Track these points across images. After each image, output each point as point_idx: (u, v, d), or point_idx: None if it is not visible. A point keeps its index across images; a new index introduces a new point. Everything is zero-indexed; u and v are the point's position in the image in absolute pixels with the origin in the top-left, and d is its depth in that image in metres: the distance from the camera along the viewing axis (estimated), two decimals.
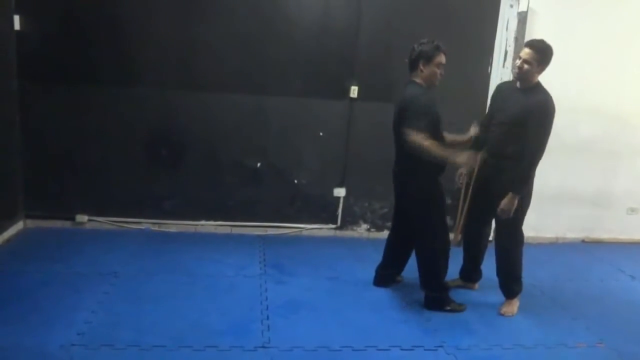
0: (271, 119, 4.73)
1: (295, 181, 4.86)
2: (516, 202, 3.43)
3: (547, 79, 4.81)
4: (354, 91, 4.72)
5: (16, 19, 4.28)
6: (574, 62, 4.90)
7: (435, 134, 3.43)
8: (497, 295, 3.83)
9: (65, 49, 4.41)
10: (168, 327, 3.20)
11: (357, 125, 4.79)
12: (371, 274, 4.03)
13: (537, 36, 4.76)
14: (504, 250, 3.71)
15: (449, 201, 5.04)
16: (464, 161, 3.44)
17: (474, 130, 3.71)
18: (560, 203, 5.20)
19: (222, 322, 3.31)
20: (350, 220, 5.03)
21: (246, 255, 4.38)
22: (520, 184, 3.43)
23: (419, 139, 3.28)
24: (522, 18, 4.71)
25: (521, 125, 3.39)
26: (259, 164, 4.78)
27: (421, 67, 3.42)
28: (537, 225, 5.19)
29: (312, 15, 4.57)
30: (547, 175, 5.06)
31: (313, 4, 4.58)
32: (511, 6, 4.73)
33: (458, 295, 3.85)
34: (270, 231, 4.90)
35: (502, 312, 3.71)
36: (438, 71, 3.44)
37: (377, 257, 3.87)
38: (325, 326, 3.37)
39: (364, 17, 4.62)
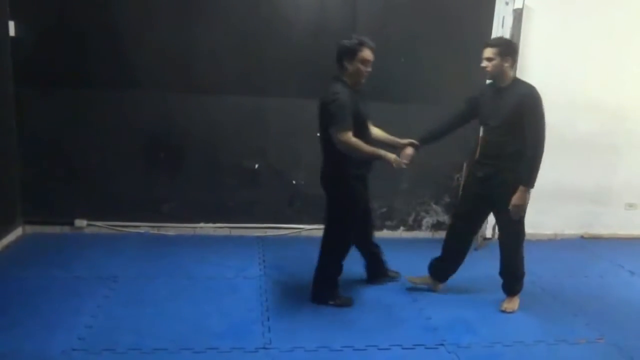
0: (269, 120, 4.74)
1: (294, 182, 4.86)
2: (528, 197, 3.43)
3: (543, 74, 4.85)
4: None
5: (11, 24, 4.28)
6: (571, 58, 4.93)
7: (361, 132, 3.38)
8: (497, 293, 3.83)
9: (61, 53, 4.42)
10: (168, 330, 3.21)
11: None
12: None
13: (534, 33, 4.82)
14: (509, 250, 3.70)
15: (447, 199, 5.09)
16: (393, 159, 3.37)
17: (408, 142, 3.68)
18: (559, 199, 5.20)
19: (222, 324, 3.31)
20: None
21: (246, 257, 4.38)
22: (531, 176, 3.39)
23: (346, 137, 3.24)
24: (518, 15, 4.71)
25: (516, 122, 3.39)
26: (257, 166, 4.78)
27: (346, 64, 3.35)
28: (535, 221, 5.16)
29: (308, 15, 4.58)
30: (545, 171, 5.01)
31: (310, 4, 4.58)
32: (507, 3, 4.73)
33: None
34: (270, 232, 4.90)
35: (503, 308, 3.70)
36: (363, 68, 3.36)
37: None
38: (326, 326, 3.37)
39: (360, 16, 4.63)
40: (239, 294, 3.74)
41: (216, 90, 4.62)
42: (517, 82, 3.50)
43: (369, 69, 3.40)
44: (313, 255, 4.31)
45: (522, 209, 3.45)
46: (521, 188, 3.40)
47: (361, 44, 3.33)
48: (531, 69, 4.86)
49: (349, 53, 3.33)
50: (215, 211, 4.86)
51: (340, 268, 3.66)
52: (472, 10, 4.79)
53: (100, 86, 4.52)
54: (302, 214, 4.92)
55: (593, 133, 5.14)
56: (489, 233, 5.02)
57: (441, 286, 3.94)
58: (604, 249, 5.14)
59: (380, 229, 5.05)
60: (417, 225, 5.14)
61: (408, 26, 4.65)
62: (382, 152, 3.37)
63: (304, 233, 4.94)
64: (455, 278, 4.13)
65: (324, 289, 3.65)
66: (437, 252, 4.77)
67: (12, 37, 4.30)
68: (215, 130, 4.70)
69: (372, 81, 4.56)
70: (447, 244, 3.89)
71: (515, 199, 3.42)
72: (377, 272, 4.02)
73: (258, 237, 4.83)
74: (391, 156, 3.36)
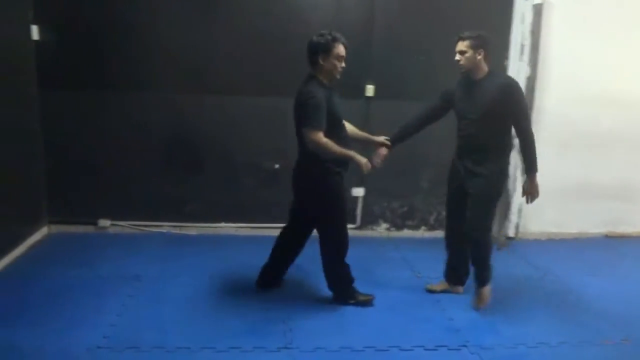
0: (288, 120, 4.71)
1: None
2: (537, 182, 3.45)
3: (565, 70, 4.78)
4: (370, 90, 4.71)
5: (34, 29, 4.35)
6: (592, 53, 4.84)
7: (335, 131, 3.34)
8: (520, 294, 3.80)
9: (84, 56, 4.48)
10: (191, 328, 3.24)
11: (374, 123, 4.77)
12: (391, 273, 4.03)
13: (554, 28, 4.75)
14: (478, 239, 3.60)
15: None
16: (364, 162, 3.35)
17: (381, 140, 3.71)
18: (583, 197, 5.12)
19: (244, 323, 3.33)
20: (369, 220, 5.03)
21: (267, 257, 4.38)
22: (532, 162, 3.44)
23: (317, 137, 3.20)
24: (538, 10, 4.65)
25: (496, 114, 3.36)
26: (277, 166, 4.79)
27: (320, 61, 3.28)
28: (559, 220, 5.14)
29: (325, 14, 4.57)
30: (568, 169, 5.03)
31: (326, 3, 4.58)
32: None
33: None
34: None
35: (475, 305, 3.63)
36: (338, 64, 3.31)
37: (397, 256, 3.86)
38: (348, 326, 3.37)
39: (378, 14, 4.62)
40: (260, 293, 3.75)
41: (234, 91, 4.64)
42: (493, 73, 3.46)
43: (343, 65, 3.36)
44: None
45: (535, 195, 3.48)
46: (530, 176, 3.45)
47: (335, 40, 3.27)
48: (552, 64, 4.81)
49: (324, 50, 3.26)
50: (237, 211, 4.88)
51: (347, 265, 3.61)
52: (491, 7, 4.74)
53: (123, 88, 4.58)
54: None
55: (617, 128, 5.04)
56: (511, 232, 4.96)
57: (461, 289, 3.89)
58: (629, 247, 5.05)
59: (401, 228, 5.04)
60: (438, 225, 5.10)
61: (426, 24, 4.61)
62: (352, 153, 3.34)
63: None
64: None
65: (341, 289, 3.63)
66: None
67: (35, 40, 4.38)
68: (235, 131, 4.72)
69: (390, 79, 4.55)
70: (448, 246, 3.84)
71: (525, 187, 3.49)
72: (275, 279, 3.88)
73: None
74: (361, 159, 3.35)
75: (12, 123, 4.13)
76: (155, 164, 4.74)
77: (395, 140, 3.75)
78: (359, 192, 4.93)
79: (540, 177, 4.91)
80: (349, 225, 4.94)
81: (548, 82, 4.85)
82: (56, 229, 4.72)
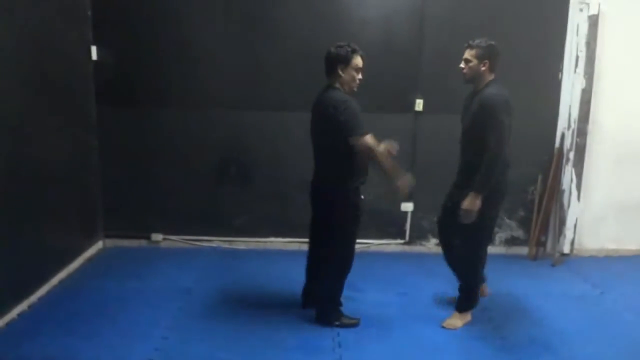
0: None
1: (362, 196, 4.82)
2: (478, 202, 3.21)
3: (621, 81, 4.64)
4: (419, 104, 4.68)
5: (93, 49, 4.53)
6: None
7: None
8: (575, 311, 3.66)
9: (139, 75, 4.64)
10: (241, 342, 3.25)
11: (423, 138, 4.74)
12: (441, 289, 3.96)
13: (610, 40, 4.63)
14: (460, 260, 3.52)
15: (522, 213, 4.92)
16: (404, 185, 3.24)
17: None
18: None
19: (294, 338, 3.33)
20: (418, 235, 4.96)
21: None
22: (481, 183, 3.20)
23: (368, 141, 3.16)
24: (593, 22, 4.54)
25: (478, 128, 3.24)
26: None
27: (340, 72, 3.26)
28: (617, 236, 4.94)
29: (375, 30, 4.58)
30: (627, 183, 4.85)
31: (377, 21, 4.59)
32: (581, 10, 4.56)
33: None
34: None
35: (444, 324, 3.50)
36: (356, 75, 3.30)
37: (446, 272, 3.76)
38: (397, 343, 3.32)
39: (427, 29, 4.59)
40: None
41: (284, 107, 4.69)
42: (488, 85, 3.32)
43: (361, 77, 3.35)
44: (382, 271, 4.29)
45: (471, 214, 3.24)
46: (471, 193, 3.22)
47: (354, 51, 3.27)
48: (607, 76, 4.68)
49: (343, 61, 3.26)
50: (285, 226, 4.91)
51: (342, 285, 3.53)
52: (545, 19, 4.65)
53: (175, 105, 4.70)
54: (370, 229, 4.87)
55: None
56: (566, 249, 4.80)
57: (486, 289, 3.85)
58: None
59: None
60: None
61: (476, 38, 4.56)
62: (401, 171, 3.25)
63: (372, 248, 4.90)
64: (532, 294, 3.99)
65: (331, 309, 3.52)
66: (511, 268, 4.64)
67: (94, 60, 4.56)
68: (284, 146, 4.77)
69: (438, 94, 4.50)
70: (445, 259, 3.74)
71: (463, 204, 3.24)
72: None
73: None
74: (405, 181, 3.23)
75: (71, 139, 4.30)
76: (205, 180, 4.83)
77: None
78: (408, 207, 4.88)
79: (597, 192, 4.82)
80: (398, 241, 4.95)
81: (603, 95, 4.70)
82: (111, 243, 4.86)
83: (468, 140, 3.41)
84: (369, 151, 3.18)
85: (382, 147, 3.18)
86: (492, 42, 3.32)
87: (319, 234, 3.64)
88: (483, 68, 3.30)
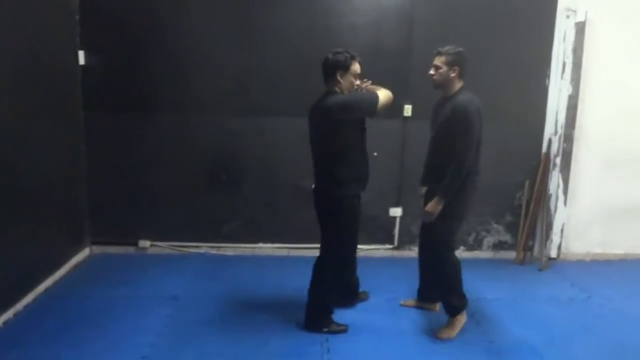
0: None
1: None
2: (439, 207, 3.27)
3: (608, 87, 4.69)
4: (407, 110, 4.70)
5: (81, 54, 4.50)
6: (637, 70, 4.75)
7: (362, 140, 3.41)
8: (563, 316, 3.68)
9: (127, 79, 4.61)
10: (230, 349, 3.24)
11: (412, 143, 4.75)
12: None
13: (596, 47, 4.67)
14: (433, 263, 3.54)
15: (509, 218, 4.95)
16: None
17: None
18: (629, 217, 4.95)
19: (282, 344, 3.32)
20: (407, 240, 4.97)
21: (304, 278, 4.34)
22: (445, 188, 3.25)
23: (380, 100, 3.29)
24: (580, 29, 4.58)
25: (447, 135, 3.29)
26: (314, 186, 4.79)
27: (338, 78, 3.29)
28: (604, 240, 4.99)
29: (365, 38, 4.59)
30: (613, 188, 4.90)
31: (366, 28, 4.60)
32: (568, 17, 4.61)
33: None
34: None
35: (438, 336, 3.46)
36: (355, 81, 3.34)
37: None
38: (386, 349, 3.32)
39: (416, 37, 4.61)
40: (298, 314, 3.73)
41: (273, 112, 4.69)
42: (459, 92, 3.35)
43: (359, 82, 3.39)
44: (371, 276, 4.29)
45: (430, 217, 3.32)
46: (436, 198, 3.28)
47: (352, 58, 3.30)
48: (594, 82, 4.73)
49: (342, 67, 3.28)
50: (274, 231, 4.90)
51: (335, 293, 3.56)
52: (532, 26, 4.69)
53: (164, 110, 4.68)
54: (359, 234, 4.87)
55: None
56: (553, 253, 4.84)
57: (437, 307, 3.83)
58: None
59: None
60: (477, 245, 5.02)
61: (464, 44, 4.58)
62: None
63: (361, 253, 4.88)
64: (520, 299, 4.01)
65: (320, 315, 3.52)
66: (499, 272, 4.66)
67: (81, 65, 4.53)
68: (273, 152, 4.76)
69: (427, 100, 4.51)
70: (419, 266, 3.80)
71: (428, 205, 3.32)
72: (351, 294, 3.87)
73: (316, 257, 4.82)
74: None
75: (58, 144, 4.27)
76: (194, 185, 4.81)
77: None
78: (396, 212, 4.89)
79: (583, 196, 4.86)
80: (387, 246, 4.95)
81: (590, 101, 4.75)
82: (98, 249, 4.82)
83: (437, 144, 3.44)
84: (384, 102, 3.30)
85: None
86: (461, 49, 3.36)
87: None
88: (452, 74, 3.33)
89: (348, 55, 3.29)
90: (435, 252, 3.49)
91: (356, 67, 3.33)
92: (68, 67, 4.42)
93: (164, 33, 4.57)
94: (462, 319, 3.53)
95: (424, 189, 3.67)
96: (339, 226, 3.42)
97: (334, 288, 3.54)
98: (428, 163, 3.61)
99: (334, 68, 3.29)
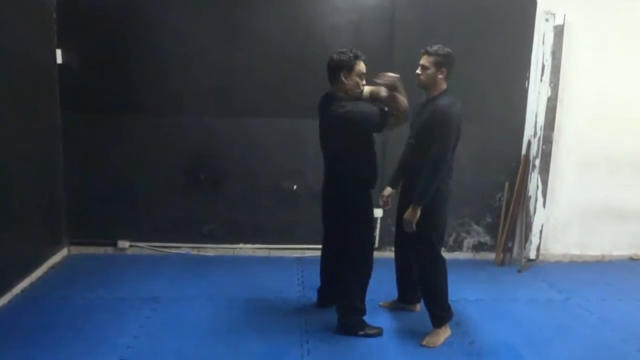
0: (307, 141, 4.74)
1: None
2: (417, 213, 3.22)
3: (587, 90, 4.75)
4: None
5: (58, 52, 4.44)
6: (616, 73, 4.81)
7: (370, 143, 3.42)
8: (543, 317, 3.72)
9: (106, 79, 4.55)
10: (209, 351, 3.21)
11: (393, 144, 4.76)
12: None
13: (575, 50, 4.73)
14: (420, 270, 3.50)
15: (489, 219, 4.99)
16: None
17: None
18: (606, 219, 5.02)
19: (261, 345, 3.30)
20: (387, 241, 4.97)
21: (284, 278, 4.37)
22: (420, 194, 3.20)
23: (383, 93, 3.27)
24: (559, 31, 4.63)
25: (426, 137, 3.25)
26: (295, 187, 4.79)
27: (342, 79, 3.26)
28: (581, 242, 5.05)
29: (345, 37, 4.59)
30: (591, 190, 4.96)
31: (346, 27, 4.61)
32: (547, 20, 4.66)
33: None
34: (308, 253, 4.88)
35: (423, 342, 3.40)
36: (360, 81, 3.30)
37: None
38: (366, 350, 3.32)
39: (398, 37, 4.63)
40: (278, 315, 3.72)
41: (255, 113, 4.67)
42: (442, 95, 3.29)
43: (364, 82, 3.34)
44: None
45: (410, 226, 3.27)
46: (412, 206, 3.24)
47: (357, 57, 3.27)
48: (574, 85, 4.78)
49: (346, 67, 3.25)
50: (255, 232, 4.88)
51: (364, 292, 3.52)
52: (511, 29, 4.74)
53: (143, 110, 4.63)
54: None
55: None
56: (533, 254, 4.88)
57: (417, 307, 3.85)
58: None
59: None
60: (457, 246, 5.05)
61: (445, 45, 4.62)
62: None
63: None
64: (500, 300, 4.03)
65: (355, 320, 3.50)
66: (479, 273, 4.69)
67: (59, 64, 4.46)
68: (254, 152, 4.75)
69: (412, 102, 4.52)
70: (396, 268, 3.80)
71: (406, 214, 3.28)
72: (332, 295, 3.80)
73: (297, 258, 4.82)
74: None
75: (35, 144, 4.20)
76: (173, 186, 4.77)
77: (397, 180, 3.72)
78: (377, 213, 4.88)
79: (562, 198, 4.91)
80: None
81: (569, 103, 4.81)
82: (76, 250, 4.76)
83: (416, 145, 3.40)
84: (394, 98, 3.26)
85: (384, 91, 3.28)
86: (449, 50, 3.28)
87: (333, 239, 3.62)
88: (440, 76, 3.27)
89: (352, 55, 3.26)
90: (419, 253, 3.45)
91: (361, 67, 3.29)
92: (45, 65, 4.36)
93: (143, 31, 4.52)
94: (446, 330, 3.47)
95: (388, 190, 3.70)
96: (357, 222, 3.43)
97: (364, 290, 3.52)
98: (403, 164, 3.59)
99: (337, 69, 3.28)
